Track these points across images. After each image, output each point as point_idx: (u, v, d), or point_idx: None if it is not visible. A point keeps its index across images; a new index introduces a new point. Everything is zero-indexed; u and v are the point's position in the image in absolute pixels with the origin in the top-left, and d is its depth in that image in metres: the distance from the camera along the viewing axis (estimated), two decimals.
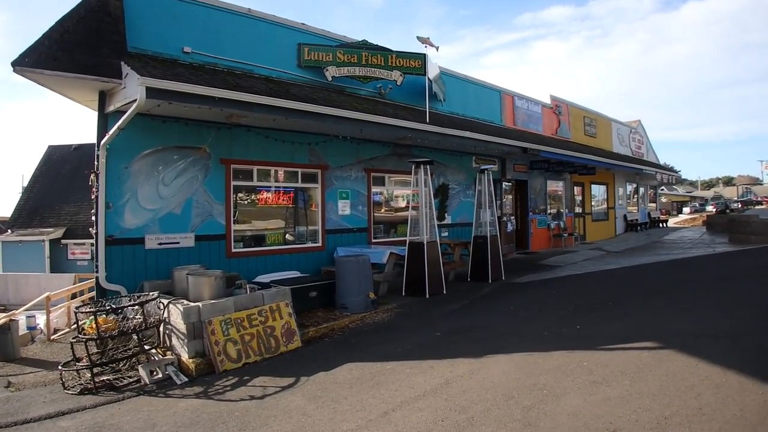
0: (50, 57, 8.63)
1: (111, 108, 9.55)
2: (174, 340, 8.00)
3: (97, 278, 9.51)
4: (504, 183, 19.76)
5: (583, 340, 7.73)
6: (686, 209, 72.19)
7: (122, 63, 9.06)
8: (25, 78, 8.77)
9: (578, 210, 25.58)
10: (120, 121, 8.85)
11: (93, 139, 9.89)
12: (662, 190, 50.02)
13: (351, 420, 5.37)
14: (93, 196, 9.62)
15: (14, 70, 8.46)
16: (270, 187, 12.34)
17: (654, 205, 40.10)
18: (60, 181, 25.00)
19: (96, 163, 9.51)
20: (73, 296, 12.98)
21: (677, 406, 5.08)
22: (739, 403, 5.07)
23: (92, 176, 9.57)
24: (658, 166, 34.83)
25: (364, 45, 13.60)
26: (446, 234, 16.37)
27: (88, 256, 21.90)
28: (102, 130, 9.61)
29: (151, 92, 8.16)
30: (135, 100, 8.20)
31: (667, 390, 5.50)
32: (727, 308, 9.34)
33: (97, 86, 9.41)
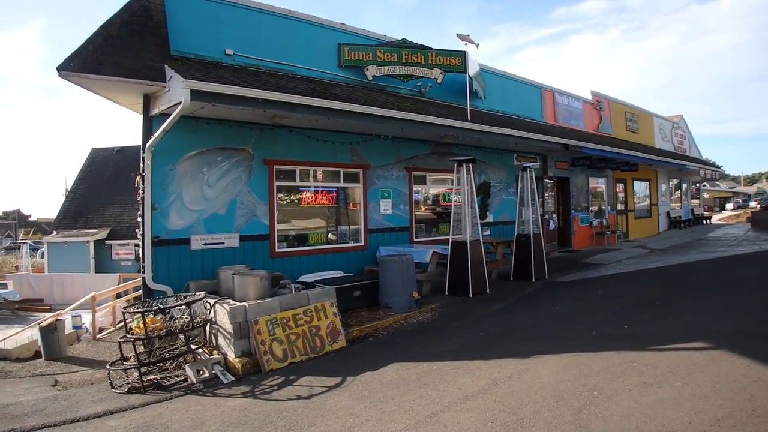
0: (95, 61, 8.74)
1: (155, 111, 9.66)
2: (220, 340, 8.07)
3: (143, 278, 9.63)
4: (546, 180, 19.56)
5: (631, 340, 7.60)
6: (729, 205, 70.42)
7: (166, 66, 9.15)
8: (70, 82, 8.87)
9: (621, 207, 25.16)
10: (165, 124, 8.92)
11: (135, 142, 10.04)
12: (704, 186, 48.97)
13: (399, 421, 5.33)
14: (139, 198, 9.74)
15: (60, 75, 8.55)
16: (312, 187, 12.38)
17: (697, 201, 39.41)
18: (103, 182, 25.46)
19: (141, 165, 9.62)
20: (118, 296, 13.18)
21: (730, 408, 4.98)
22: None
23: (138, 178, 9.70)
24: (700, 161, 34.08)
25: (404, 44, 13.55)
26: (488, 232, 16.23)
27: (132, 257, 22.28)
28: (147, 132, 9.72)
29: (195, 95, 8.24)
30: (180, 103, 8.29)
31: (720, 391, 5.39)
32: None
33: (141, 89, 9.53)
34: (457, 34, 13.68)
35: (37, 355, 10.32)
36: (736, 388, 5.43)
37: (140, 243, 9.84)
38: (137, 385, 7.12)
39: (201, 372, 7.39)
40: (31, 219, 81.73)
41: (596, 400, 5.41)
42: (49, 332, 9.92)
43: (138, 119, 10.23)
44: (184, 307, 7.76)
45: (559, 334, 8.35)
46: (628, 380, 5.93)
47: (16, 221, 75.01)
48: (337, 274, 11.56)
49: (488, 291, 12.10)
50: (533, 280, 13.49)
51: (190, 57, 10.04)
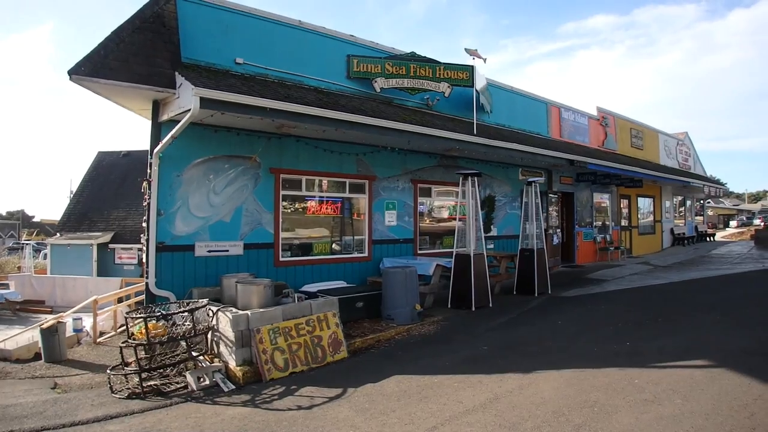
0: (106, 66, 8.75)
1: (164, 117, 9.71)
2: (222, 348, 8.06)
3: (146, 284, 9.65)
4: (550, 195, 19.52)
5: (633, 356, 7.62)
6: (733, 223, 70.50)
7: (176, 73, 9.20)
8: (81, 86, 8.90)
9: (624, 223, 25.14)
10: (174, 130, 8.98)
11: (142, 146, 10.09)
12: (708, 203, 48.92)
13: None
14: (145, 203, 9.76)
15: (71, 78, 8.55)
16: (318, 196, 12.41)
17: (701, 218, 39.38)
18: (109, 186, 25.56)
19: (149, 170, 9.67)
20: (120, 300, 13.18)
21: (730, 425, 5.02)
22: None
23: (145, 183, 9.72)
24: (705, 178, 34.09)
25: (413, 57, 13.58)
26: (492, 246, 16.19)
27: (135, 261, 22.29)
28: (155, 138, 9.79)
29: (204, 102, 8.30)
30: (189, 110, 8.34)
31: (720, 409, 5.43)
32: None
33: (151, 95, 9.58)
34: (466, 49, 13.76)
35: (37, 356, 10.33)
36: (737, 406, 5.48)
37: (144, 248, 9.85)
38: (137, 391, 7.11)
39: (202, 379, 7.37)
40: (34, 220, 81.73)
41: (597, 417, 5.42)
42: (50, 334, 9.93)
43: (146, 124, 10.30)
44: (186, 313, 7.76)
45: (561, 350, 8.35)
46: (629, 397, 5.95)
47: (20, 222, 75.08)
48: (341, 284, 11.56)
49: (491, 305, 12.07)
50: (536, 294, 13.47)
51: (200, 65, 10.09)
